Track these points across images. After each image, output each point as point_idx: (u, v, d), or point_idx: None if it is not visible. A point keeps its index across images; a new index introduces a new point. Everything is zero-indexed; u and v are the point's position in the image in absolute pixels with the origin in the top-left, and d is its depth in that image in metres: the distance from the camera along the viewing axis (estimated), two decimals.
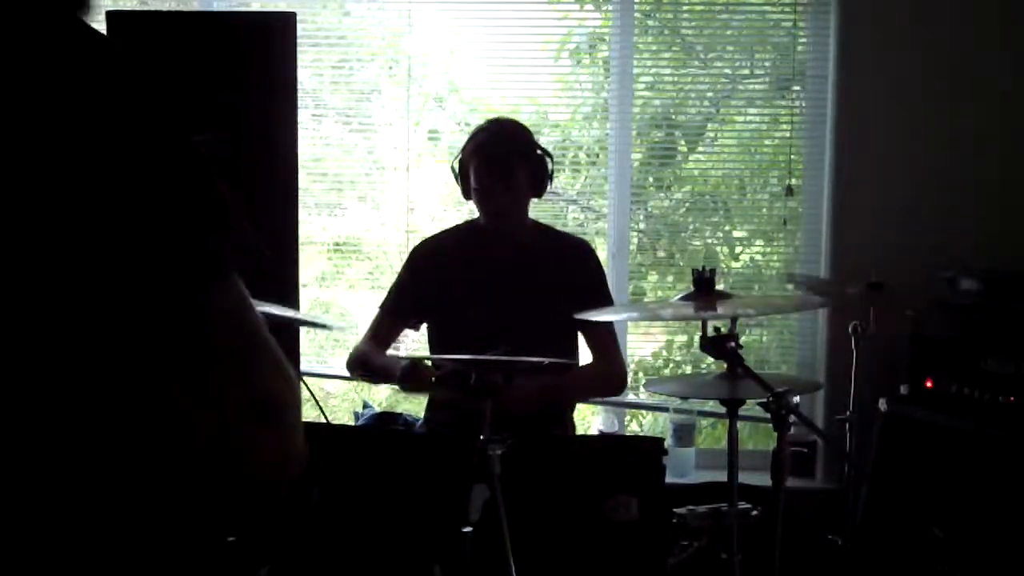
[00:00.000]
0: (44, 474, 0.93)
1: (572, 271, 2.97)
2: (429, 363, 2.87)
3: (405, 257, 3.17)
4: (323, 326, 3.65)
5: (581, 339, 3.03)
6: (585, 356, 3.07)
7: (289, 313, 2.64)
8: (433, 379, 2.74)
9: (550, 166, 2.92)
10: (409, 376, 2.78)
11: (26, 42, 0.90)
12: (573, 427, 3.08)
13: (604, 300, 2.95)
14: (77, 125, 0.89)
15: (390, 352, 3.07)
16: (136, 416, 0.93)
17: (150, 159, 0.92)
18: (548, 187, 2.94)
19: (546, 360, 2.45)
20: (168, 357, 0.93)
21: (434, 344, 3.07)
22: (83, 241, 0.89)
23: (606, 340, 3.01)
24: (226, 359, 0.95)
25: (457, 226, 3.14)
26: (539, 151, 2.91)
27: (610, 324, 3.02)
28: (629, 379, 3.90)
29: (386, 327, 3.05)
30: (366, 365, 2.95)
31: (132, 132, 0.92)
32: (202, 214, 0.95)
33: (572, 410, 3.05)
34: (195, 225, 0.94)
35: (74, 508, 0.94)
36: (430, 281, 3.00)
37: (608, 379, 3.05)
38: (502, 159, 2.86)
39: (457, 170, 2.94)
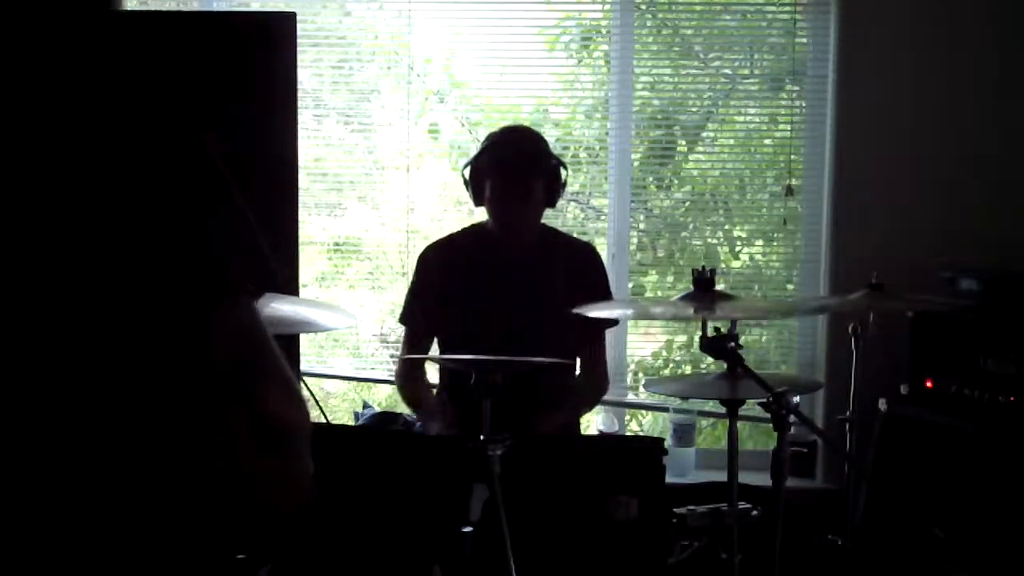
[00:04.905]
0: (48, 485, 0.92)
1: (578, 274, 2.97)
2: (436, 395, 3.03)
3: (414, 263, 3.15)
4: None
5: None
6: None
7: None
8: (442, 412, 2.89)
9: (564, 175, 2.89)
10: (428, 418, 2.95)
11: (46, 46, 0.90)
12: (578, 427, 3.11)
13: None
14: (92, 133, 0.88)
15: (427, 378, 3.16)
16: (139, 433, 0.92)
17: (168, 170, 0.91)
18: (560, 196, 2.92)
19: (547, 360, 2.45)
20: (172, 375, 0.91)
21: (441, 346, 3.06)
22: (91, 251, 0.88)
23: (596, 349, 3.07)
24: (231, 379, 0.93)
25: (465, 229, 3.11)
26: (554, 161, 2.89)
27: (603, 334, 3.08)
28: (629, 379, 3.93)
29: (419, 337, 3.05)
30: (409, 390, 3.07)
31: (151, 142, 0.91)
32: (214, 229, 0.93)
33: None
34: (206, 240, 0.93)
35: (74, 521, 0.93)
36: (442, 283, 2.99)
37: (597, 391, 3.11)
38: (523, 176, 2.84)
39: (468, 177, 2.90)
